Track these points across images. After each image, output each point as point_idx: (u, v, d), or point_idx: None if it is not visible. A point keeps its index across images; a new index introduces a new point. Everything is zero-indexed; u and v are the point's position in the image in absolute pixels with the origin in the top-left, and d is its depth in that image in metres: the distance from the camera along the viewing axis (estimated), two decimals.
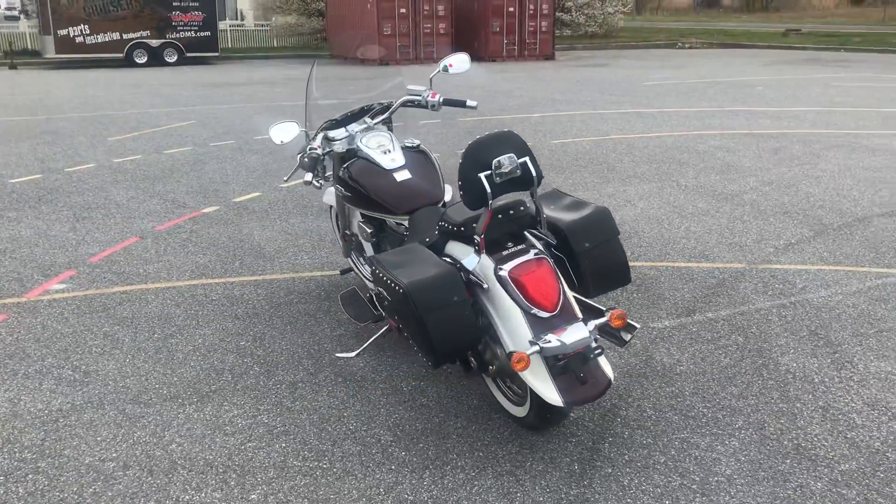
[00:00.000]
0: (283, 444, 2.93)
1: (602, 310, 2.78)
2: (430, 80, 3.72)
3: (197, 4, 22.45)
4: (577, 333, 2.54)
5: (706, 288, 4.41)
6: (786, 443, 2.89)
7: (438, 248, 2.97)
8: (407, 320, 2.69)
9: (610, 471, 2.74)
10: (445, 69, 3.70)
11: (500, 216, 2.74)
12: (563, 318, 2.62)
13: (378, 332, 3.63)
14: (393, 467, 2.78)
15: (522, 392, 2.94)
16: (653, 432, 2.97)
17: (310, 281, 4.60)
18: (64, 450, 2.90)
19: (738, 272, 4.66)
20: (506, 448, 2.88)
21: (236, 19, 37.40)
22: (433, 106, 3.69)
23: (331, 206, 4.45)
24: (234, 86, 15.65)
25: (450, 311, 2.61)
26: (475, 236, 2.70)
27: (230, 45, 28.00)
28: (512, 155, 2.62)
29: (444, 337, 2.60)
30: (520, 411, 2.93)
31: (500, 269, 2.67)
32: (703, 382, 3.34)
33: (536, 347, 2.51)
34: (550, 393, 2.54)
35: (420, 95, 3.71)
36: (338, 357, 3.62)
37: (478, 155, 2.61)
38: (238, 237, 5.44)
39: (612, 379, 2.64)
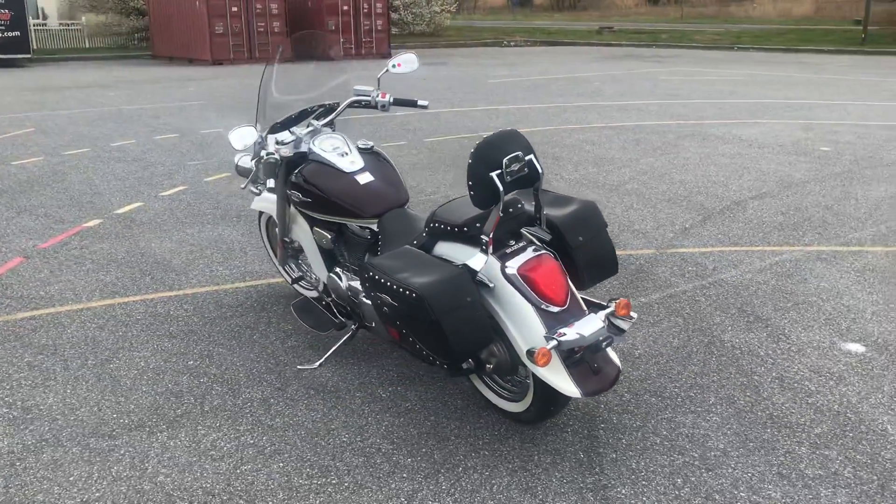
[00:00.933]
0: (281, 464, 2.80)
1: (598, 303, 2.86)
2: (378, 79, 3.66)
3: (3, 2, 20.61)
4: (592, 325, 2.60)
5: (629, 274, 4.63)
6: (759, 413, 3.09)
7: (427, 250, 2.94)
8: (417, 325, 2.65)
9: (615, 456, 2.83)
10: (394, 68, 3.65)
11: (501, 215, 2.75)
12: (571, 311, 2.68)
13: (340, 341, 3.54)
14: (405, 475, 2.73)
15: (519, 388, 2.98)
16: (638, 415, 3.09)
17: (236, 293, 4.39)
18: (35, 495, 2.63)
19: (651, 258, 4.92)
20: (508, 444, 2.90)
21: (38, 18, 34.64)
22: (383, 106, 3.63)
23: (260, 213, 4.27)
24: (62, 90, 14.53)
25: (464, 311, 2.59)
26: (482, 236, 2.69)
27: (35, 47, 25.93)
28: (520, 153, 2.65)
29: (461, 338, 2.58)
30: (516, 407, 2.96)
31: (508, 266, 2.68)
32: (664, 363, 3.51)
33: (554, 342, 2.54)
34: (568, 385, 2.58)
35: (369, 96, 3.65)
36: (300, 370, 3.50)
37: (488, 154, 2.60)
38: (137, 251, 5.10)
39: (621, 367, 2.72)
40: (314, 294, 4.09)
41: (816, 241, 5.19)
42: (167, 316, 4.08)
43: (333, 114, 3.66)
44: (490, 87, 14.73)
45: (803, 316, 4.01)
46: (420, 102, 3.68)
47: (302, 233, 3.83)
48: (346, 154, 3.46)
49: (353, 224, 3.43)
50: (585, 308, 2.74)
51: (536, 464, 2.78)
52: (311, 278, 4.14)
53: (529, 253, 2.73)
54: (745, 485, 2.65)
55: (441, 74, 17.44)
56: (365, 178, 3.37)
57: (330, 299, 3.66)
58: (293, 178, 3.49)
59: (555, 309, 2.65)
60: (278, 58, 3.65)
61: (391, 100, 3.63)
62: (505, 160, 2.60)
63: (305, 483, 2.69)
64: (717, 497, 2.59)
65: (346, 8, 22.23)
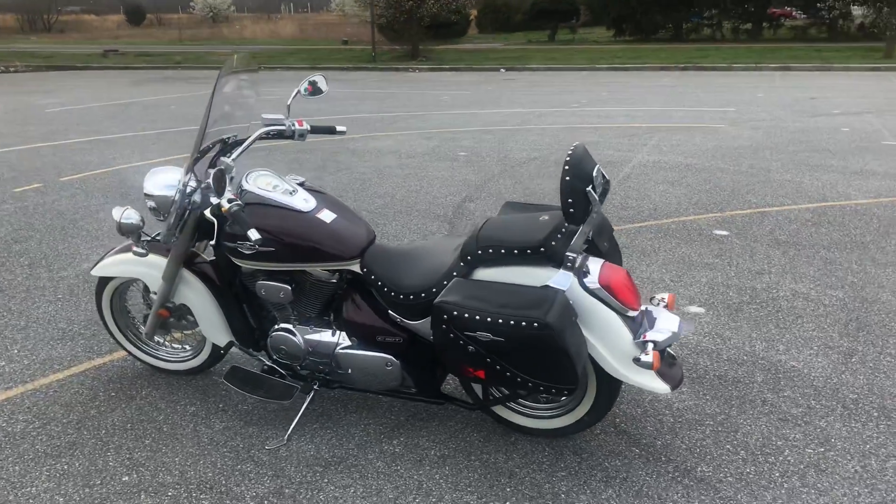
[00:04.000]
0: None
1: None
2: (288, 106, 3.23)
3: None
4: (672, 321, 2.73)
5: None
6: (710, 379, 3.52)
7: (466, 278, 2.75)
8: (530, 356, 2.50)
9: (660, 442, 3.00)
10: (305, 91, 3.25)
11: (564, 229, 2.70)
12: (642, 313, 2.77)
13: (304, 404, 3.09)
14: None
15: (575, 399, 2.95)
16: (627, 408, 3.30)
17: (68, 386, 3.46)
18: None
19: None
20: (571, 461, 2.88)
21: None
22: (301, 135, 3.24)
23: (105, 281, 3.41)
24: None
25: (575, 332, 2.55)
26: (569, 253, 2.62)
27: None
28: (598, 165, 2.64)
29: (581, 360, 2.52)
30: (563, 421, 2.95)
31: (588, 281, 2.66)
32: None
33: (651, 343, 2.62)
34: (657, 383, 2.67)
35: (283, 125, 3.21)
36: (269, 449, 2.96)
37: (581, 169, 2.54)
38: None
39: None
40: (184, 367, 3.49)
41: None
42: (14, 434, 3.05)
43: (242, 147, 3.12)
44: (63, 117, 13.04)
45: None
46: (338, 128, 3.36)
47: (195, 294, 3.22)
48: (294, 192, 3.01)
49: (321, 270, 3.00)
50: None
51: (617, 469, 2.83)
52: (184, 347, 3.50)
53: (595, 263, 2.73)
54: (774, 436, 3.04)
55: None
56: (328, 216, 2.98)
57: (273, 361, 3.15)
58: (227, 229, 2.93)
59: (633, 313, 2.72)
60: (220, 87, 3.00)
61: (309, 128, 3.25)
62: (594, 173, 2.59)
63: None
64: (768, 449, 2.94)
65: None
